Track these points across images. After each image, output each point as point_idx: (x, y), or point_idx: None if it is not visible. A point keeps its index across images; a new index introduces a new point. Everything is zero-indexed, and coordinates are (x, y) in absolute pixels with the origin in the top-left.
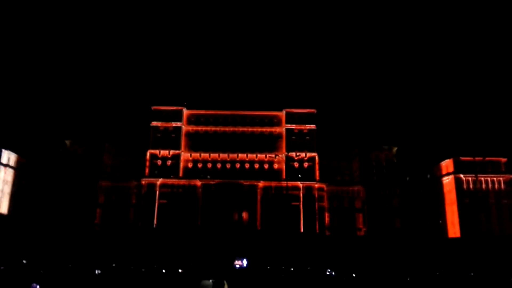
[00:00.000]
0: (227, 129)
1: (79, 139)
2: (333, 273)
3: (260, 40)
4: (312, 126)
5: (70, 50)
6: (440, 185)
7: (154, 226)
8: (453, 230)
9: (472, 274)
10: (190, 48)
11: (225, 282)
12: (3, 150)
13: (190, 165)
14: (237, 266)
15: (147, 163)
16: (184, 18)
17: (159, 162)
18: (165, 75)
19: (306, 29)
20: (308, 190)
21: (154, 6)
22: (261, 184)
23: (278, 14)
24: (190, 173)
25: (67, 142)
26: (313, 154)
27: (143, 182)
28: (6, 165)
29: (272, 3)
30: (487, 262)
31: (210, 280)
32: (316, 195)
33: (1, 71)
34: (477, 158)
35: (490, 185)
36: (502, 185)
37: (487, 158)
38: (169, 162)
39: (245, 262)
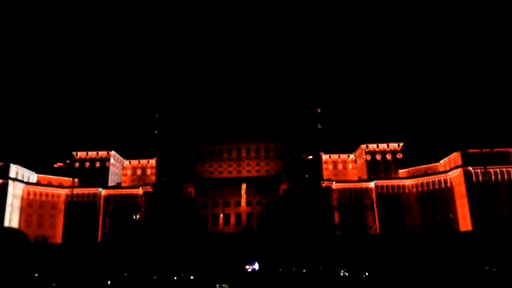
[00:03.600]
0: (231, 132)
1: (85, 149)
2: (346, 274)
3: (263, 41)
4: (317, 125)
5: (75, 61)
6: (448, 179)
7: (165, 232)
8: (465, 224)
9: (486, 267)
10: (192, 55)
11: None
12: (11, 164)
13: (196, 170)
14: (249, 270)
15: (155, 170)
16: (185, 24)
17: (166, 168)
18: (169, 82)
19: (309, 30)
20: (315, 189)
21: (156, 15)
22: (267, 185)
23: (279, 15)
24: (196, 177)
25: (74, 153)
26: (319, 153)
27: (151, 188)
28: (14, 179)
29: (274, 5)
30: (501, 255)
31: (223, 285)
32: (324, 194)
33: (6, 83)
34: (484, 150)
35: (499, 177)
36: None
37: (495, 150)
38: (175, 168)
39: (256, 265)
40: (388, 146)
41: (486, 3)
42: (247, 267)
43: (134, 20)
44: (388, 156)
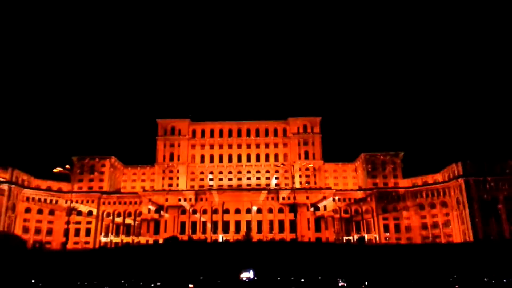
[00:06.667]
0: (232, 139)
1: (85, 155)
2: (345, 284)
3: (264, 50)
4: (317, 134)
5: (75, 66)
6: (447, 189)
7: (163, 239)
8: (463, 234)
9: (486, 279)
10: (193, 61)
11: None
12: (10, 168)
13: (196, 176)
14: (245, 278)
15: (155, 176)
16: (187, 31)
17: (166, 174)
18: (169, 87)
19: (310, 39)
20: (315, 197)
21: (157, 22)
22: (267, 192)
23: (281, 24)
24: (196, 184)
25: (74, 158)
26: (319, 161)
27: (151, 195)
28: (14, 184)
29: (276, 13)
30: (500, 265)
31: None
32: (324, 202)
33: (6, 88)
34: (484, 161)
35: (499, 188)
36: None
37: (495, 160)
38: (175, 174)
39: (251, 273)
40: (388, 155)
41: (487, 6)
42: (242, 275)
43: (135, 26)
44: (388, 165)
